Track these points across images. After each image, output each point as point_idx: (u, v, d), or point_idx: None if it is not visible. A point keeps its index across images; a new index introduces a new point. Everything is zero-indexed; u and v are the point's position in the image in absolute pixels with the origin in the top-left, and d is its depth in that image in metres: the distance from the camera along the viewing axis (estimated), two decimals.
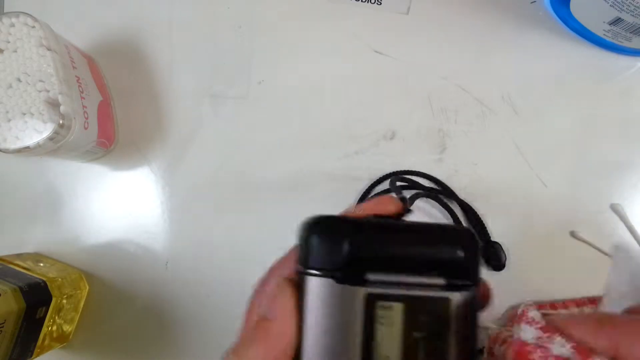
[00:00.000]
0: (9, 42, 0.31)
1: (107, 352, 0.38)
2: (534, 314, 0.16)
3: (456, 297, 0.17)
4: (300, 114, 0.39)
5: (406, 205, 0.20)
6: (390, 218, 0.20)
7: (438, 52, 0.40)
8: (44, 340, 0.34)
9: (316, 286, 0.17)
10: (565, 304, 0.31)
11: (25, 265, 0.34)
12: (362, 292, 0.16)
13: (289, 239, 0.38)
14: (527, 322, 0.16)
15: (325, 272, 0.17)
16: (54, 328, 0.35)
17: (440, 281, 0.16)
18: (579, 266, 0.37)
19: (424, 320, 0.16)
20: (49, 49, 0.31)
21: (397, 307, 0.16)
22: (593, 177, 0.39)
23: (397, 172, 0.38)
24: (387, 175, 0.38)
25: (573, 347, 0.14)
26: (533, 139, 0.39)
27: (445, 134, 0.39)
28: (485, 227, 0.38)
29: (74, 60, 0.33)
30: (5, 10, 0.39)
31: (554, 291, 0.34)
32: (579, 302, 0.32)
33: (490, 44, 0.40)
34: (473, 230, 0.18)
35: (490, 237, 0.37)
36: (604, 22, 0.36)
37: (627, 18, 0.34)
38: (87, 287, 0.38)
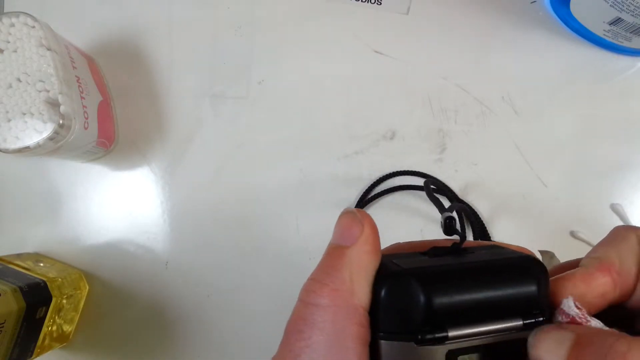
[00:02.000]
0: (9, 42, 0.31)
1: (107, 352, 0.38)
2: (568, 306, 0.16)
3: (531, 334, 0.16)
4: (300, 114, 0.39)
5: (456, 229, 0.19)
6: (447, 250, 0.18)
7: (438, 52, 0.40)
8: (44, 340, 0.34)
9: (394, 350, 0.15)
10: None
11: (25, 265, 0.34)
12: (443, 350, 0.15)
13: (289, 239, 0.38)
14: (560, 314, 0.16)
15: (403, 335, 0.15)
16: (54, 328, 0.35)
17: (518, 323, 0.16)
18: None
19: None
20: (49, 49, 0.31)
21: (476, 357, 0.15)
22: (593, 177, 0.39)
23: (397, 172, 0.38)
24: (387, 175, 0.38)
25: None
26: (533, 139, 0.39)
27: (445, 134, 0.39)
28: (485, 227, 0.38)
29: (74, 60, 0.33)
30: (5, 10, 0.39)
31: None
32: None
33: (490, 44, 0.40)
34: (536, 257, 0.17)
35: (490, 238, 0.37)
36: (604, 22, 0.36)
37: (627, 18, 0.34)
38: (87, 287, 0.38)
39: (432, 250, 0.18)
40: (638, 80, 0.39)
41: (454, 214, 0.20)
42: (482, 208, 0.38)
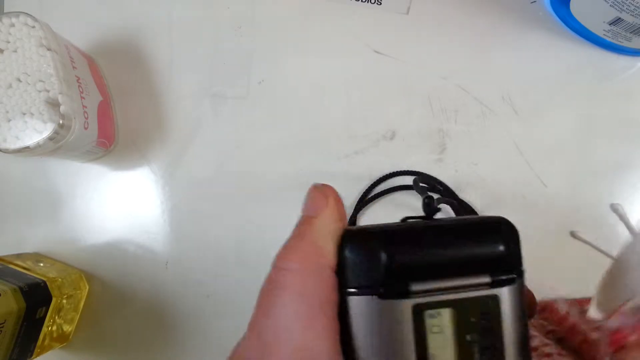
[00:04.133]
0: (9, 42, 0.31)
1: (107, 352, 0.38)
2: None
3: (504, 293, 0.16)
4: (300, 114, 0.39)
5: (434, 205, 0.20)
6: (419, 219, 0.19)
7: (438, 52, 0.40)
8: (44, 340, 0.34)
9: (360, 305, 0.16)
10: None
11: (25, 265, 0.34)
12: (408, 304, 0.16)
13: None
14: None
15: (367, 290, 0.16)
16: (54, 328, 0.35)
17: (486, 279, 0.16)
18: (579, 266, 0.37)
19: (474, 321, 0.16)
20: (49, 49, 0.31)
21: (446, 313, 0.16)
22: (593, 177, 0.39)
23: (397, 172, 0.38)
24: (387, 175, 0.38)
25: None
26: (533, 139, 0.39)
27: (445, 134, 0.39)
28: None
29: (74, 60, 0.33)
30: (5, 10, 0.39)
31: (554, 291, 0.34)
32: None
33: (490, 44, 0.40)
34: (507, 219, 0.17)
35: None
36: (604, 22, 0.36)
37: (627, 18, 0.34)
38: (87, 287, 0.38)
39: (404, 218, 0.19)
40: (638, 80, 0.39)
41: (435, 196, 0.20)
42: (482, 208, 0.38)
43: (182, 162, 0.39)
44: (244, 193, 0.39)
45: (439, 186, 0.38)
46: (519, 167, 0.39)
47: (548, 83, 0.40)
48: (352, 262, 0.16)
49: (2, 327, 0.29)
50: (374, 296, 0.16)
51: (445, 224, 0.17)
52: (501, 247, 0.16)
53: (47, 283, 0.33)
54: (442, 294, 0.16)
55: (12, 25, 0.31)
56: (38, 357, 0.34)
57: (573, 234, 0.38)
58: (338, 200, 0.18)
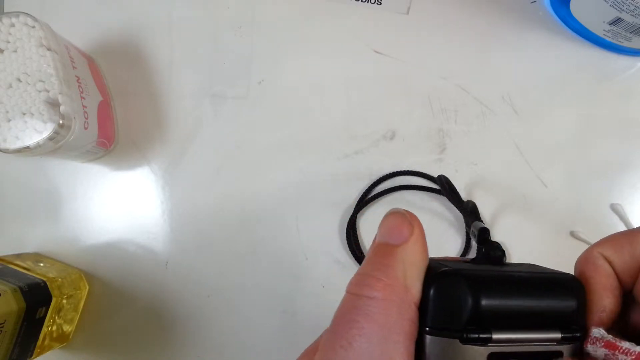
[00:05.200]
0: (9, 42, 0.31)
1: (107, 352, 0.38)
2: (598, 333, 0.16)
3: (567, 350, 0.16)
4: (300, 114, 0.39)
5: (500, 247, 0.20)
6: (489, 260, 0.19)
7: (438, 52, 0.40)
8: (44, 340, 0.34)
9: (439, 346, 0.16)
10: None
11: (25, 265, 0.34)
12: (485, 351, 0.16)
13: (289, 239, 0.38)
14: (592, 343, 0.16)
15: (448, 332, 0.16)
16: (54, 328, 0.35)
17: (557, 335, 0.16)
18: None
19: None
20: (49, 49, 0.31)
21: None
22: (593, 177, 0.39)
23: (397, 172, 0.38)
24: (387, 175, 0.38)
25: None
26: (533, 139, 0.39)
27: (445, 134, 0.39)
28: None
29: (74, 60, 0.33)
30: (5, 10, 0.39)
31: None
32: None
33: (490, 44, 0.40)
34: (576, 276, 0.18)
35: (490, 237, 0.37)
36: (604, 22, 0.36)
37: (627, 18, 0.34)
38: (87, 287, 0.38)
39: (474, 259, 0.19)
40: (638, 80, 0.39)
41: (485, 225, 0.20)
42: (482, 208, 0.38)
43: (182, 162, 0.39)
44: (243, 193, 0.39)
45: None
46: (519, 167, 0.39)
47: (548, 83, 0.40)
48: (437, 303, 0.16)
49: (2, 327, 0.29)
50: (454, 340, 0.16)
51: (525, 274, 0.17)
52: (573, 304, 0.17)
53: (47, 283, 0.33)
54: (518, 345, 0.16)
55: (12, 25, 0.31)
56: (38, 357, 0.34)
57: (573, 234, 0.38)
58: (422, 230, 0.18)
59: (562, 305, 0.17)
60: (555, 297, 0.17)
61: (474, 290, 0.16)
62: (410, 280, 0.16)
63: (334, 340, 0.16)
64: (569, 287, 0.17)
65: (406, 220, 0.17)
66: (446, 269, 0.17)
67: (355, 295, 0.16)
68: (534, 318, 0.16)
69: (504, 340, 0.16)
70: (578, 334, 0.16)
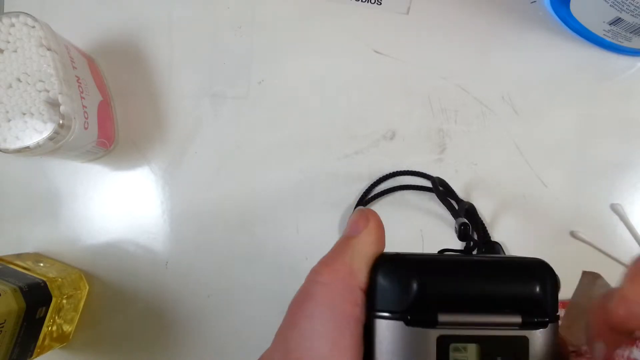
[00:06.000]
0: (9, 42, 0.31)
1: (107, 352, 0.38)
2: None
3: (535, 336, 0.16)
4: (300, 114, 0.39)
5: (469, 233, 0.20)
6: (456, 252, 0.19)
7: (438, 52, 0.40)
8: (44, 340, 0.34)
9: (386, 329, 0.16)
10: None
11: (25, 265, 0.34)
12: (434, 334, 0.16)
13: (289, 239, 0.38)
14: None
15: (395, 315, 0.16)
16: (54, 328, 0.35)
17: (516, 319, 0.16)
18: (579, 266, 0.37)
19: None
20: (49, 49, 0.31)
21: (472, 349, 0.15)
22: (593, 177, 0.39)
23: (397, 172, 0.38)
24: (387, 175, 0.38)
25: None
26: (533, 139, 0.39)
27: (445, 134, 0.39)
28: (485, 227, 0.38)
29: (74, 60, 0.33)
30: (5, 10, 0.39)
31: None
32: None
33: (490, 44, 0.40)
34: (547, 262, 0.17)
35: (490, 237, 0.37)
36: (604, 22, 0.36)
37: (627, 18, 0.34)
38: (87, 287, 0.38)
39: (442, 250, 0.19)
40: (638, 80, 0.39)
41: (466, 220, 0.20)
42: (482, 208, 0.38)
43: (182, 162, 0.39)
44: (244, 193, 0.39)
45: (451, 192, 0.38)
46: (519, 167, 0.39)
47: (548, 83, 0.40)
48: (383, 286, 0.17)
49: (2, 327, 0.29)
50: (401, 322, 0.16)
51: (483, 259, 0.17)
52: (537, 289, 0.16)
53: (47, 283, 0.33)
54: (470, 329, 0.16)
55: (12, 25, 0.31)
56: (38, 357, 0.34)
57: (573, 234, 0.38)
58: (379, 224, 0.19)
59: (522, 289, 0.16)
60: (515, 281, 0.16)
61: (417, 273, 0.16)
62: (357, 265, 0.17)
63: (285, 322, 0.17)
64: (532, 271, 0.17)
65: (363, 215, 0.19)
66: (391, 253, 0.17)
67: (307, 280, 0.17)
68: (490, 301, 0.16)
69: (452, 322, 0.16)
70: (545, 319, 0.16)
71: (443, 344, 0.15)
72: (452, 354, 0.15)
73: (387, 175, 0.38)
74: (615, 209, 0.39)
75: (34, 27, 0.31)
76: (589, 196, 0.39)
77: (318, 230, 0.38)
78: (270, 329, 0.41)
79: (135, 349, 0.38)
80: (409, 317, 0.16)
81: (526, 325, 0.16)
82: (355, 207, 0.38)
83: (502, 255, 0.18)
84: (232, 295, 0.38)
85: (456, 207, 0.37)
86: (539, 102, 0.39)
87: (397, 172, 0.38)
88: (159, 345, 0.38)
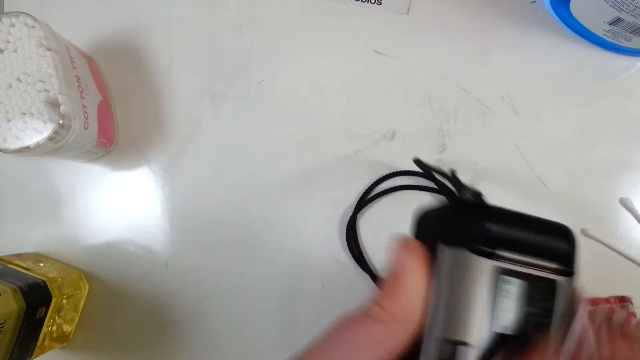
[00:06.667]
0: (9, 42, 0.31)
1: (107, 352, 0.38)
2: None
3: (561, 281, 0.19)
4: (300, 114, 0.39)
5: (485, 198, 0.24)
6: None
7: (438, 52, 0.40)
8: (44, 340, 0.34)
9: (451, 255, 0.19)
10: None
11: (25, 265, 0.34)
12: (490, 264, 0.18)
13: (289, 239, 0.38)
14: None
15: (460, 243, 0.19)
16: (54, 328, 0.35)
17: (553, 265, 0.19)
18: (578, 266, 0.37)
19: (535, 297, 0.19)
20: (49, 49, 0.31)
21: (516, 283, 0.18)
22: (593, 177, 0.39)
23: (397, 172, 0.38)
24: (387, 175, 0.38)
25: None
26: (533, 139, 0.39)
27: (445, 134, 0.39)
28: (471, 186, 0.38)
29: (74, 60, 0.33)
30: (5, 10, 0.39)
31: None
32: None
33: (490, 44, 0.40)
34: (569, 228, 0.21)
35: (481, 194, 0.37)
36: (604, 22, 0.36)
37: (627, 18, 0.34)
38: (87, 287, 0.38)
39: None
40: (638, 80, 0.39)
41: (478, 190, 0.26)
42: None
43: (182, 162, 0.39)
44: (244, 193, 0.39)
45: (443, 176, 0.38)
46: (519, 167, 0.39)
47: (548, 83, 0.40)
48: (454, 222, 0.20)
49: (2, 327, 0.29)
50: (464, 249, 0.18)
51: (532, 217, 0.20)
52: (570, 246, 0.20)
53: (47, 283, 0.33)
54: (517, 265, 0.19)
55: (12, 25, 0.31)
56: (38, 357, 0.34)
57: (584, 232, 0.38)
58: (428, 257, 0.20)
59: (557, 244, 0.19)
60: (551, 236, 0.20)
61: (484, 215, 0.19)
62: (414, 309, 0.19)
63: (323, 342, 0.19)
64: (567, 233, 0.20)
65: (411, 249, 0.20)
66: (458, 199, 0.20)
67: (362, 312, 0.19)
68: (534, 248, 0.19)
69: (507, 257, 0.18)
70: (572, 269, 0.19)
71: (496, 273, 0.18)
72: (501, 284, 0.18)
73: (387, 175, 0.38)
74: (624, 203, 0.38)
75: (34, 27, 0.31)
76: (589, 196, 0.39)
77: (318, 230, 0.38)
78: (270, 329, 0.41)
79: (135, 348, 0.38)
80: (472, 246, 0.18)
81: (558, 271, 0.19)
82: (355, 207, 0.38)
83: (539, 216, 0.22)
84: (232, 295, 0.38)
85: (444, 181, 0.37)
86: (539, 102, 0.39)
87: (397, 172, 0.38)
88: (159, 345, 0.38)
